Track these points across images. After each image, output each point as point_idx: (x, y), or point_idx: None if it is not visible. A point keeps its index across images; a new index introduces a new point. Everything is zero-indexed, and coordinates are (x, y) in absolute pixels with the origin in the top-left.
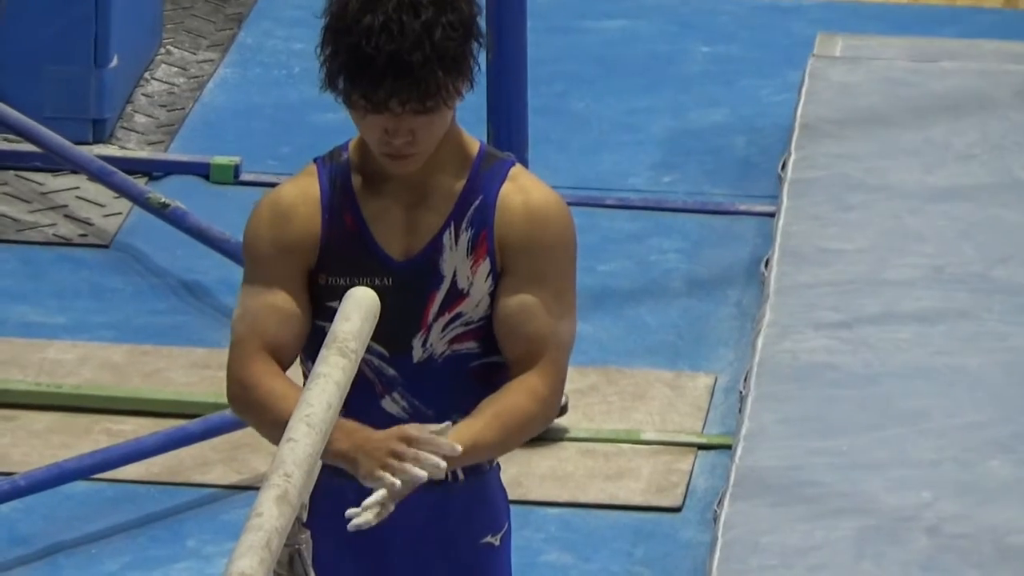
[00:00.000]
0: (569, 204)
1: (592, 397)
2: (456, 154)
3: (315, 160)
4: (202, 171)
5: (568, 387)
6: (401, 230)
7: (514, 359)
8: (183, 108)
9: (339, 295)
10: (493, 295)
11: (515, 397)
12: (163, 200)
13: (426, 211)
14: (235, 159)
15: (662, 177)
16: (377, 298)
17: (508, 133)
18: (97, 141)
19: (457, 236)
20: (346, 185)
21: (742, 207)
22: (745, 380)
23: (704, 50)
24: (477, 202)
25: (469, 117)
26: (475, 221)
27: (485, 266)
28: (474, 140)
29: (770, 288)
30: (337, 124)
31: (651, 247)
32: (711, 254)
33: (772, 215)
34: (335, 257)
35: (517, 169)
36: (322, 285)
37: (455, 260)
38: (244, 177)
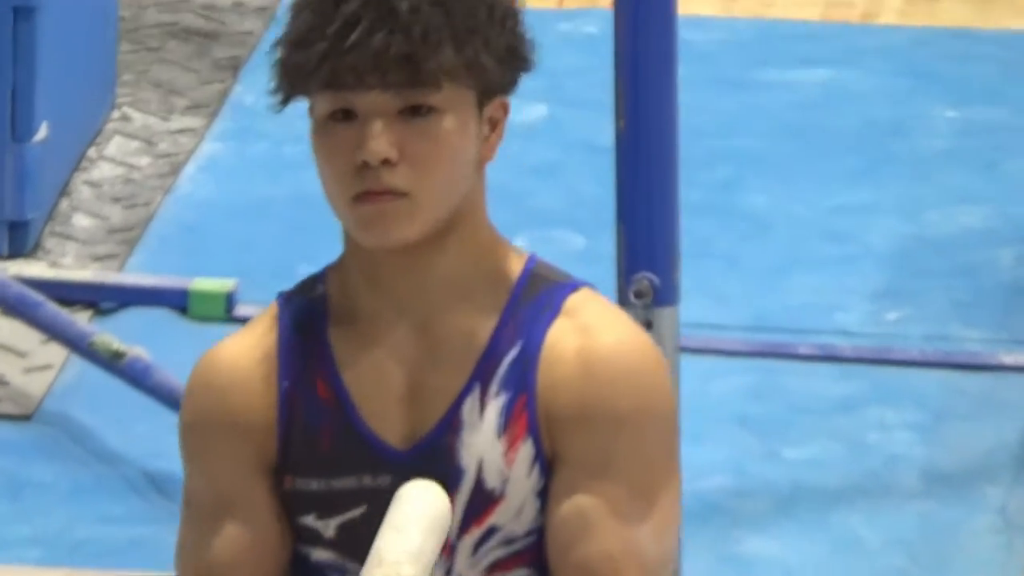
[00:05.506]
0: (742, 353)
1: None
2: (486, 274)
3: (279, 297)
4: (177, 301)
5: None
6: (401, 401)
7: None
8: (148, 203)
9: (315, 506)
10: (543, 495)
11: None
12: (115, 347)
13: (437, 368)
14: (227, 283)
15: (886, 313)
16: (446, 498)
17: (648, 242)
18: (15, 255)
19: (483, 405)
20: (319, 334)
21: (1008, 359)
22: None
23: (950, 115)
24: (515, 351)
25: (586, 217)
26: (511, 381)
27: (526, 450)
28: (520, 254)
29: None
30: None
31: (869, 421)
32: (961, 432)
33: None
34: (303, 447)
35: (581, 296)
36: (288, 491)
37: (480, 443)
38: (239, 311)
